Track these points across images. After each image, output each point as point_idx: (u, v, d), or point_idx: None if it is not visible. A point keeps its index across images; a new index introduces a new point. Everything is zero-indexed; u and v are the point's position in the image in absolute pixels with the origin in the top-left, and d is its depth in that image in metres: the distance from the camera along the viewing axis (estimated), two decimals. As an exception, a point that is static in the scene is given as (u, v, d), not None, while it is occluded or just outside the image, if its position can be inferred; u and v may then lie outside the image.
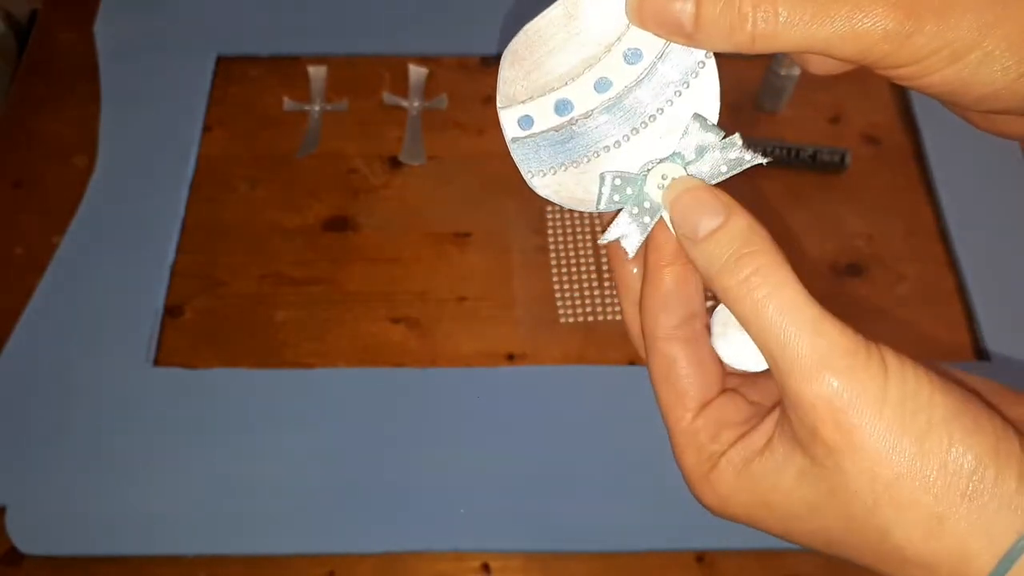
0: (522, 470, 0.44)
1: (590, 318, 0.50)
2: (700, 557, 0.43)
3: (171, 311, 0.50)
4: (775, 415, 0.19)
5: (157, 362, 0.48)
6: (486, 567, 0.43)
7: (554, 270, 0.52)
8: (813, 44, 0.18)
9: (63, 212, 0.53)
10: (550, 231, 0.53)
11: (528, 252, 0.52)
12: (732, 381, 0.21)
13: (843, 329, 0.18)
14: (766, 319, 0.17)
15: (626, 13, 0.19)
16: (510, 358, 0.48)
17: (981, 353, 0.49)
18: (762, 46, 0.18)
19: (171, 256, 0.51)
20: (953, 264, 0.52)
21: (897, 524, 0.17)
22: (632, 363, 0.48)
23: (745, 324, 0.18)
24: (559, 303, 0.50)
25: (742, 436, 0.19)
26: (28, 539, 0.42)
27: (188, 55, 0.60)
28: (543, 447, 0.45)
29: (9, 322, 0.48)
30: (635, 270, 0.22)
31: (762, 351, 0.18)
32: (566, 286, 0.51)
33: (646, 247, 0.21)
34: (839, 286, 0.51)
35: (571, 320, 0.50)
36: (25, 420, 0.46)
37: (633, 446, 0.45)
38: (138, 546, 0.42)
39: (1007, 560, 0.16)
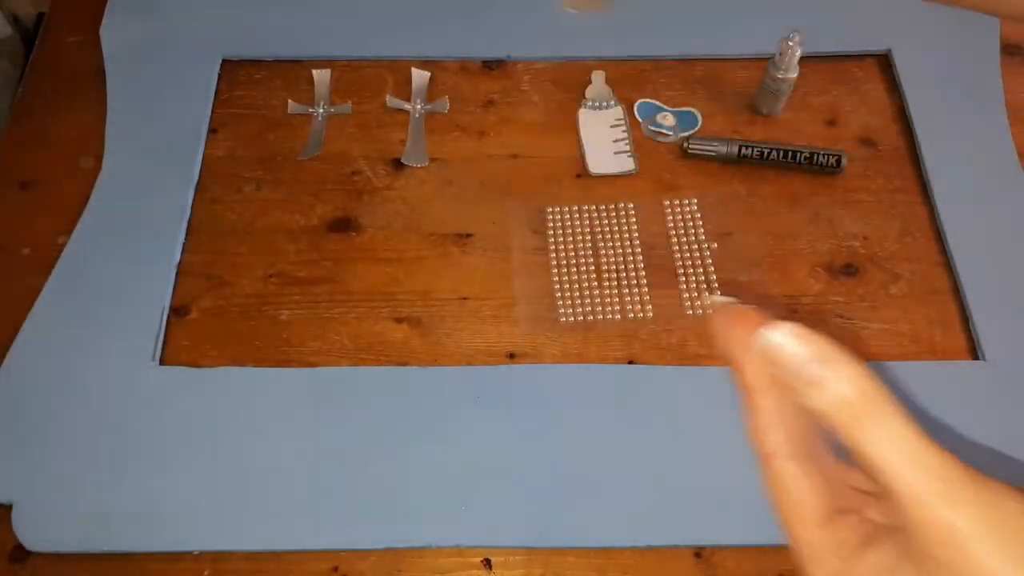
0: (523, 467, 0.45)
1: (590, 317, 0.50)
2: (698, 553, 0.43)
3: (177, 310, 0.51)
4: (901, 535, 0.20)
5: (163, 361, 0.49)
6: (487, 563, 0.43)
7: (554, 270, 0.52)
8: None
9: (70, 213, 0.53)
10: (550, 231, 0.54)
11: (528, 252, 0.53)
12: (850, 500, 0.22)
13: (961, 464, 0.19)
14: (889, 451, 0.19)
15: None
16: (511, 357, 0.49)
17: (976, 353, 0.49)
18: None
19: (177, 256, 0.52)
20: (948, 264, 0.53)
21: None
22: (632, 362, 0.49)
23: (863, 454, 0.19)
24: (559, 303, 0.51)
25: (861, 554, 0.20)
26: (34, 536, 0.43)
27: (193, 58, 0.60)
28: (544, 444, 0.46)
29: (16, 321, 0.49)
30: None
31: (884, 482, 0.19)
32: (566, 286, 0.52)
33: (742, 371, 0.22)
34: (835, 286, 0.52)
35: (571, 319, 0.50)
36: (31, 418, 0.46)
37: (632, 443, 0.46)
38: (143, 543, 0.43)
39: None
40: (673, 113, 0.58)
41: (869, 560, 0.20)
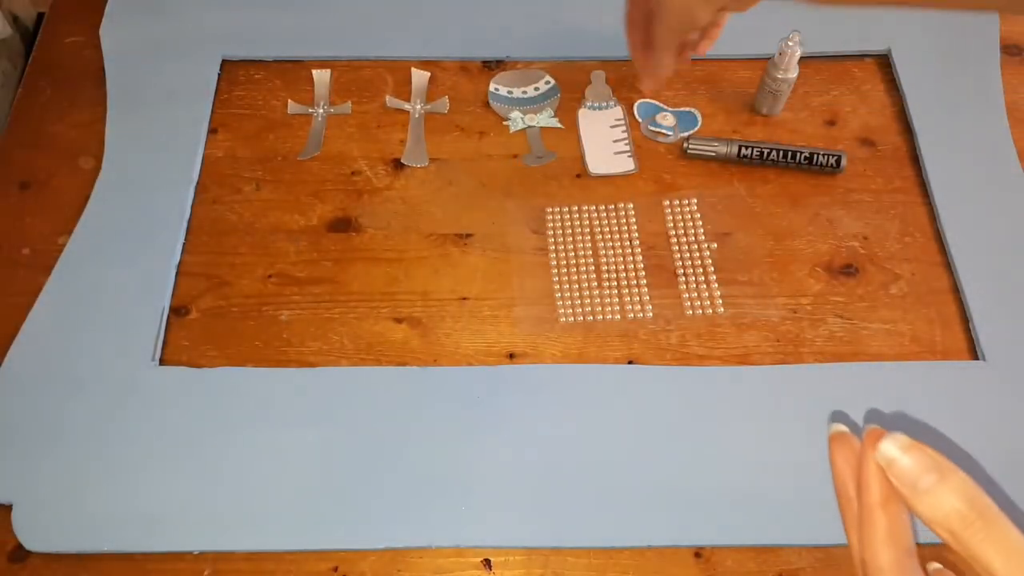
0: (523, 467, 0.45)
1: (590, 317, 0.50)
2: (698, 553, 0.43)
3: (177, 311, 0.51)
4: None
5: (163, 361, 0.49)
6: (487, 563, 0.43)
7: (554, 270, 0.52)
8: None
9: (69, 213, 0.53)
10: (550, 231, 0.54)
11: (528, 252, 0.53)
12: None
13: None
14: (996, 557, 0.21)
15: None
16: (511, 357, 0.49)
17: (975, 353, 0.49)
18: None
19: (177, 256, 0.52)
20: (948, 264, 0.53)
21: None
22: (631, 362, 0.49)
23: (973, 555, 0.21)
24: (559, 303, 0.51)
25: None
26: (34, 536, 0.43)
27: (193, 58, 0.60)
28: (543, 444, 0.46)
29: (16, 321, 0.49)
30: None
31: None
32: (566, 286, 0.52)
33: (858, 486, 0.24)
34: (835, 286, 0.52)
35: (571, 319, 0.50)
36: (31, 418, 0.46)
37: (632, 443, 0.46)
38: (143, 543, 0.43)
39: None
40: (673, 113, 0.58)
41: None
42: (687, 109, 0.59)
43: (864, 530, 0.24)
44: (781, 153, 0.56)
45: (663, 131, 0.57)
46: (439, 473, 0.45)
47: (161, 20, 0.62)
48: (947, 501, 0.21)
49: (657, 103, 0.59)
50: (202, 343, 0.49)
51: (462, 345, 0.49)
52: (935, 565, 0.26)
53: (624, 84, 0.60)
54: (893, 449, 0.22)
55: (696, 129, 0.58)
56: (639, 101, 0.59)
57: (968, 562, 0.21)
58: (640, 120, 0.58)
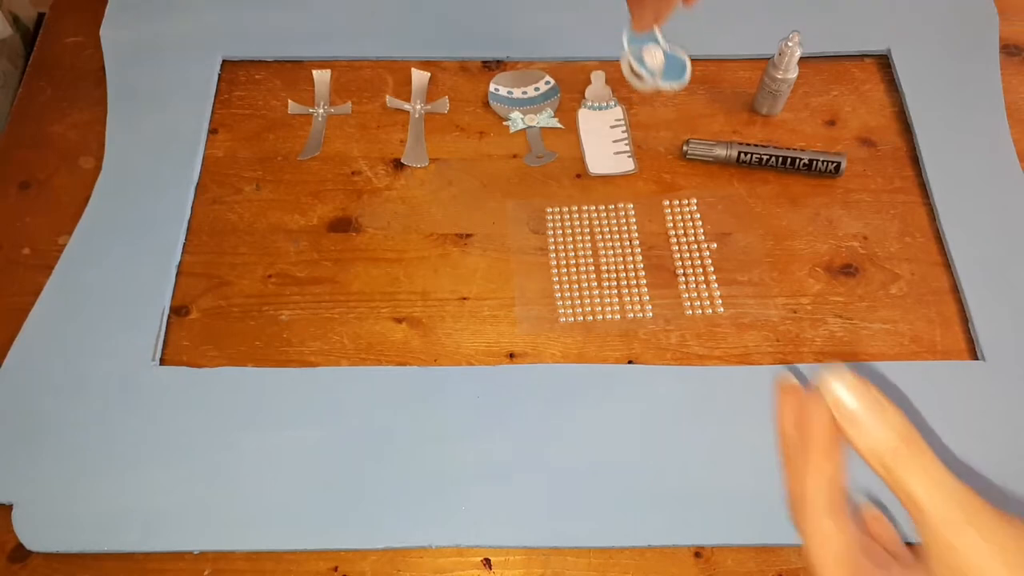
0: (522, 467, 0.45)
1: (589, 317, 0.51)
2: (698, 553, 0.43)
3: (177, 311, 0.51)
4: (922, 565, 0.24)
5: (163, 361, 0.49)
6: (487, 563, 0.43)
7: (554, 270, 0.52)
8: None
9: (70, 213, 0.53)
10: (550, 231, 0.54)
11: (528, 252, 0.53)
12: (876, 557, 0.26)
13: (979, 496, 0.23)
14: (921, 484, 0.23)
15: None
16: (511, 357, 0.49)
17: (975, 353, 0.49)
18: None
19: (177, 256, 0.52)
20: (948, 264, 0.53)
21: None
22: (631, 362, 0.49)
23: (899, 484, 0.23)
24: (559, 303, 0.51)
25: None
26: (34, 536, 0.43)
27: (194, 58, 0.60)
28: (544, 445, 0.46)
29: (16, 321, 0.49)
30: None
31: (916, 514, 0.23)
32: (566, 286, 0.52)
33: (802, 428, 0.26)
34: (835, 286, 0.52)
35: (571, 319, 0.50)
36: (32, 418, 0.46)
37: (632, 443, 0.46)
38: (143, 543, 0.43)
39: None
40: (666, 53, 0.47)
41: None
42: (680, 56, 0.48)
43: (804, 469, 0.25)
44: (780, 159, 0.56)
45: (643, 73, 0.47)
46: (439, 473, 0.45)
47: (161, 20, 0.62)
48: (881, 433, 0.23)
49: (657, 32, 0.47)
50: (202, 343, 0.49)
51: (462, 345, 0.49)
52: (870, 506, 0.28)
53: (624, 84, 0.60)
54: (839, 386, 0.24)
55: (681, 83, 0.48)
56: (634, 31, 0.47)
57: (895, 492, 0.23)
58: (625, 48, 0.48)
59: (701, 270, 0.52)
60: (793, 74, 0.56)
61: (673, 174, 0.56)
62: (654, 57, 0.47)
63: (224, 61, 0.61)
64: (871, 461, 0.24)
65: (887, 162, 0.57)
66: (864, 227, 0.54)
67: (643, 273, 0.52)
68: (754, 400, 0.47)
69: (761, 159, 0.56)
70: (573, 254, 0.53)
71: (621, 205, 0.55)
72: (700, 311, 0.51)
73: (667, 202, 0.55)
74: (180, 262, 0.52)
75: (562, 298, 0.51)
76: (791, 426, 0.27)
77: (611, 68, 0.61)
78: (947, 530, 0.22)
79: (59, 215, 0.54)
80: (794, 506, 0.26)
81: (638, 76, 0.47)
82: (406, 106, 0.59)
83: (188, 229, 0.53)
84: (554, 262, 0.52)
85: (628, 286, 0.52)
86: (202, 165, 0.56)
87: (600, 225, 0.54)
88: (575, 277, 0.52)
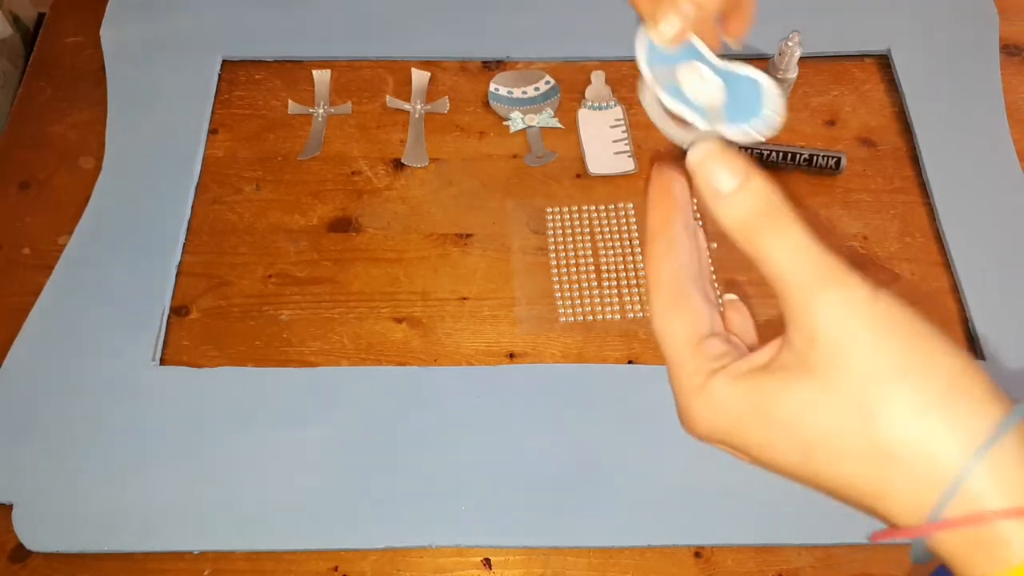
0: (523, 467, 0.45)
1: (590, 317, 0.51)
2: (698, 552, 0.43)
3: (177, 311, 0.51)
4: (776, 342, 0.22)
5: (163, 361, 0.49)
6: (487, 562, 0.43)
7: (554, 270, 0.52)
8: None
9: (70, 213, 0.53)
10: (550, 231, 0.54)
11: (528, 252, 0.53)
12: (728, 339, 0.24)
13: (842, 260, 0.21)
14: (781, 252, 0.21)
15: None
16: (511, 357, 0.49)
17: (976, 353, 0.49)
18: None
19: (177, 256, 0.52)
20: (948, 264, 0.53)
21: (885, 407, 0.19)
22: (631, 362, 0.49)
23: (763, 262, 0.21)
24: (559, 303, 0.51)
25: (742, 358, 0.22)
26: (34, 536, 0.43)
27: (194, 58, 0.60)
28: (543, 444, 0.46)
29: (17, 321, 0.49)
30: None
31: (776, 283, 0.21)
32: (566, 286, 0.52)
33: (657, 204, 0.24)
34: (835, 286, 0.52)
35: (571, 319, 0.50)
36: (32, 418, 0.46)
37: (632, 443, 0.46)
38: (143, 542, 0.43)
39: (981, 451, 0.18)
40: (720, 72, 0.25)
41: (754, 361, 0.22)
42: (744, 74, 0.25)
43: (651, 245, 0.24)
44: (781, 155, 0.56)
45: (684, 113, 0.25)
46: (439, 473, 0.45)
47: (161, 20, 0.62)
48: (744, 202, 0.21)
49: (696, 41, 0.25)
50: (202, 343, 0.49)
51: (462, 345, 0.49)
52: (730, 296, 0.26)
53: (624, 84, 0.60)
54: (700, 153, 0.22)
55: (761, 123, 0.24)
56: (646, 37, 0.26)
57: (762, 269, 0.21)
58: (646, 72, 0.25)
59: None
60: (793, 74, 0.56)
61: (673, 174, 0.56)
62: (701, 81, 0.25)
63: (224, 61, 0.61)
64: (736, 237, 0.22)
65: (887, 162, 0.57)
66: (864, 227, 0.54)
67: (643, 273, 0.52)
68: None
69: (761, 156, 0.56)
70: (573, 254, 0.53)
71: (621, 205, 0.55)
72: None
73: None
74: (180, 262, 0.52)
75: (562, 298, 0.51)
76: (658, 205, 0.25)
77: (611, 68, 0.61)
78: (806, 295, 0.20)
79: (59, 215, 0.54)
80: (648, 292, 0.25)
81: (678, 119, 0.25)
82: (406, 106, 0.59)
83: (188, 229, 0.53)
84: (554, 262, 0.53)
85: (628, 286, 0.52)
86: (202, 165, 0.56)
87: (600, 225, 0.54)
88: (575, 277, 0.52)
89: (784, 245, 0.21)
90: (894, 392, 0.19)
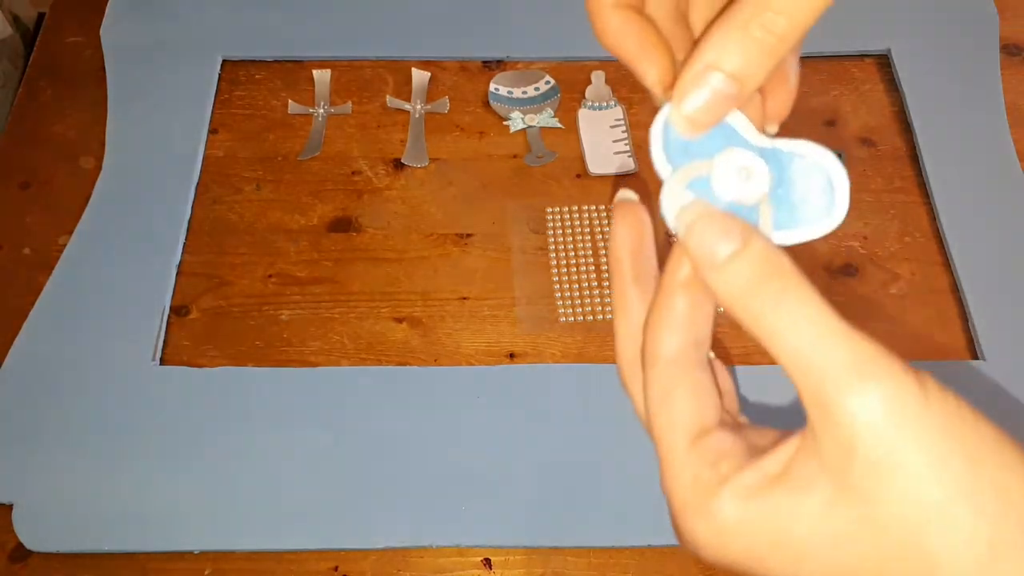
0: (523, 467, 0.45)
1: (590, 317, 0.51)
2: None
3: (177, 310, 0.51)
4: (793, 441, 0.18)
5: (163, 361, 0.49)
6: (487, 562, 0.43)
7: (554, 270, 0.52)
8: None
9: (70, 213, 0.53)
10: (550, 231, 0.54)
11: (528, 252, 0.53)
12: (730, 423, 0.21)
13: (874, 343, 0.17)
14: (797, 331, 0.17)
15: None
16: (511, 357, 0.49)
17: (976, 353, 0.49)
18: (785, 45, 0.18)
19: (177, 256, 0.52)
20: (948, 264, 0.53)
21: (948, 550, 0.15)
22: (631, 362, 0.49)
23: (773, 342, 0.17)
24: (559, 303, 0.51)
25: (749, 463, 0.18)
26: (35, 536, 0.43)
27: (194, 58, 0.60)
28: (543, 444, 0.46)
29: (17, 321, 0.49)
30: (633, 293, 0.22)
31: (792, 370, 0.17)
32: (566, 286, 0.52)
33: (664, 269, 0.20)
34: (834, 286, 0.52)
35: (571, 319, 0.50)
36: (32, 418, 0.46)
37: (632, 443, 0.46)
38: (144, 542, 0.43)
39: None
40: (770, 155, 0.21)
41: (765, 470, 0.18)
42: (804, 153, 0.21)
43: (654, 314, 0.20)
44: (781, 153, 0.55)
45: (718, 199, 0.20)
46: (439, 473, 0.45)
47: (161, 20, 0.62)
48: (744, 270, 0.18)
49: (737, 124, 0.21)
50: (202, 343, 0.49)
51: (462, 345, 0.49)
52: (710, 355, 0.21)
53: (624, 84, 0.60)
54: (689, 217, 0.19)
55: (828, 222, 0.21)
56: (663, 118, 0.21)
57: (771, 352, 0.17)
58: (668, 168, 0.21)
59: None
60: (793, 74, 0.56)
61: (673, 174, 0.56)
62: (742, 176, 0.20)
63: (224, 61, 0.61)
64: (738, 314, 0.18)
65: (887, 162, 0.57)
66: (864, 227, 0.54)
67: (643, 273, 0.52)
68: (754, 400, 0.47)
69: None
70: (573, 254, 0.53)
71: (621, 205, 0.55)
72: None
73: (667, 202, 0.55)
74: (180, 262, 0.52)
75: (562, 298, 0.51)
76: (627, 256, 0.21)
77: (611, 68, 0.61)
78: (837, 391, 0.16)
79: (59, 215, 0.54)
80: (621, 360, 0.21)
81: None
82: (406, 106, 0.59)
83: (188, 229, 0.53)
84: (554, 262, 0.53)
85: (628, 286, 0.52)
86: (202, 165, 0.56)
87: (600, 225, 0.54)
88: (575, 277, 0.52)
89: (799, 322, 0.17)
90: (960, 532, 0.15)
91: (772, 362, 0.18)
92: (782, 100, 0.24)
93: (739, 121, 0.20)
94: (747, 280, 0.18)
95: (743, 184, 0.20)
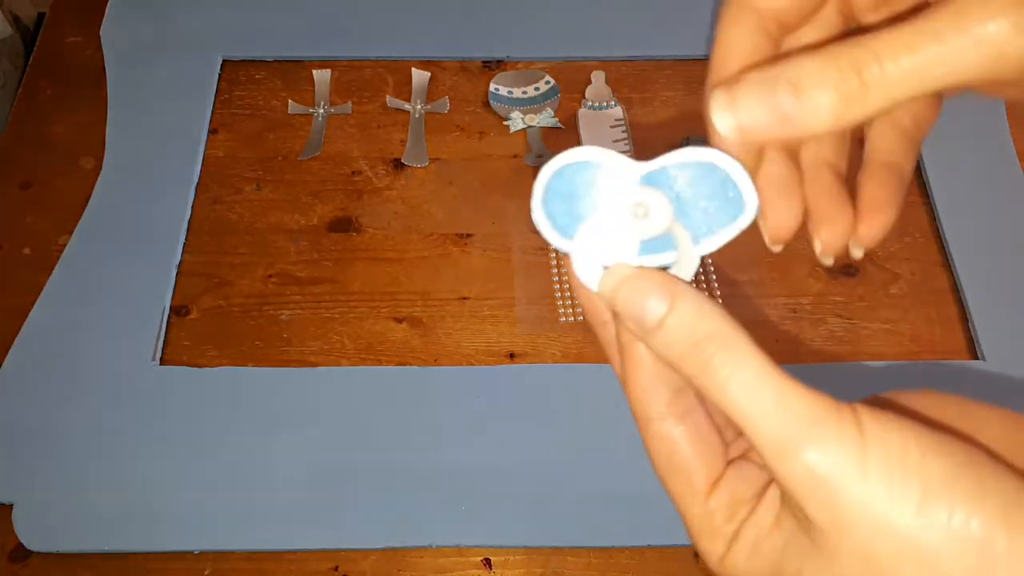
0: (523, 467, 0.45)
1: (590, 318, 0.51)
2: (698, 553, 0.43)
3: (177, 310, 0.51)
4: (776, 488, 0.18)
5: (163, 361, 0.49)
6: (487, 562, 0.43)
7: (554, 270, 0.52)
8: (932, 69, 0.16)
9: (70, 213, 0.53)
10: (551, 232, 0.54)
11: (528, 252, 0.53)
12: (737, 446, 0.20)
13: (811, 398, 0.16)
14: (734, 404, 0.17)
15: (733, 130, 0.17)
16: (511, 357, 0.49)
17: (976, 353, 0.49)
18: (877, 99, 0.16)
19: (177, 256, 0.52)
20: (948, 264, 0.53)
21: None
22: (631, 362, 0.49)
23: (716, 395, 0.17)
24: (559, 303, 0.51)
25: (752, 511, 0.19)
26: (34, 536, 0.43)
27: (194, 58, 0.60)
28: (543, 444, 0.46)
29: (17, 321, 0.49)
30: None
31: (742, 430, 0.17)
32: (566, 286, 0.52)
33: (618, 326, 0.19)
34: (835, 286, 0.52)
35: (571, 319, 0.50)
36: (32, 418, 0.46)
37: (632, 443, 0.46)
38: (144, 542, 0.43)
39: None
40: (658, 177, 0.20)
41: (761, 521, 0.18)
42: (692, 159, 0.20)
43: (627, 376, 0.19)
44: (781, 153, 0.55)
45: (648, 262, 0.20)
46: (439, 473, 0.45)
47: (161, 20, 0.62)
48: (678, 331, 0.17)
49: (603, 162, 0.20)
50: (202, 343, 0.49)
51: (462, 345, 0.49)
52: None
53: (624, 84, 0.60)
54: (610, 283, 0.18)
55: (750, 213, 0.20)
56: (541, 189, 0.20)
57: (718, 406, 0.17)
58: (552, 229, 0.21)
59: (700, 269, 0.52)
60: (793, 74, 0.56)
61: (673, 174, 0.56)
62: (645, 214, 0.20)
63: (224, 61, 0.61)
64: (684, 375, 0.17)
65: (887, 162, 0.57)
66: (864, 227, 0.54)
67: (643, 273, 0.52)
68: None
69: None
70: (573, 254, 0.53)
71: (621, 205, 0.55)
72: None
73: (667, 202, 0.55)
74: (180, 262, 0.52)
75: (562, 298, 0.51)
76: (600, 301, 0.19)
77: (611, 68, 0.61)
78: (782, 456, 0.16)
79: (59, 215, 0.54)
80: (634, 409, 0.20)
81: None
82: (406, 106, 0.59)
83: (188, 229, 0.53)
84: (554, 262, 0.53)
85: (628, 286, 0.52)
86: (202, 165, 0.56)
87: (600, 225, 0.54)
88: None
89: (741, 380, 0.16)
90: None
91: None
92: (879, 224, 0.22)
93: (603, 159, 0.19)
94: (682, 341, 0.17)
95: (644, 221, 0.19)
